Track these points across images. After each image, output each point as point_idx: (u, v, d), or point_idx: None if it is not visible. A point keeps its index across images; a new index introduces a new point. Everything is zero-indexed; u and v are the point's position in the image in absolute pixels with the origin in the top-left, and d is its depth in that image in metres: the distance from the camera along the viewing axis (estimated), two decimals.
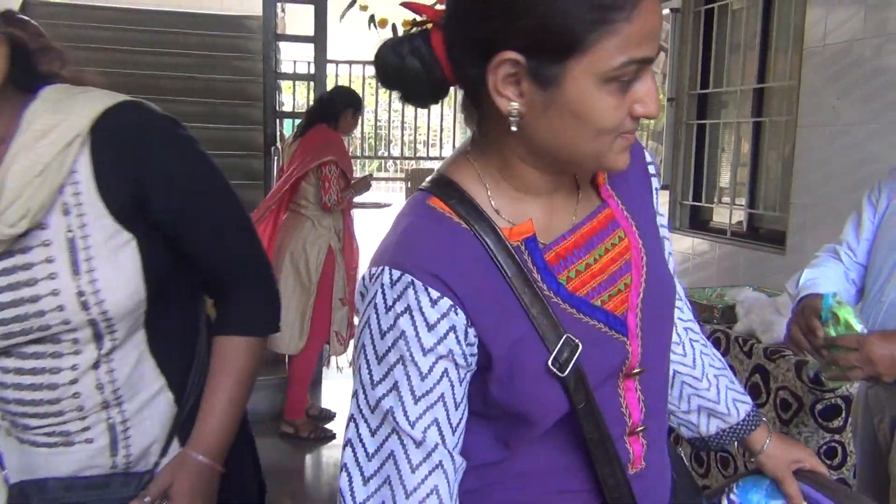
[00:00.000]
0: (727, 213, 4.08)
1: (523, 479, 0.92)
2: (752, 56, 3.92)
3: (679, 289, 1.12)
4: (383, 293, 0.82)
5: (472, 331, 0.83)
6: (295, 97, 9.83)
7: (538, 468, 0.92)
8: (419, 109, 10.34)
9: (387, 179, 13.69)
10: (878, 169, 2.96)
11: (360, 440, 0.83)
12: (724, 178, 4.23)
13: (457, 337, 0.82)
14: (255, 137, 5.31)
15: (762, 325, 2.60)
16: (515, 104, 0.80)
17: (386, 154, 11.92)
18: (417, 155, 11.44)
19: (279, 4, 5.41)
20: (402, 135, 12.69)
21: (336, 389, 4.72)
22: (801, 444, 1.25)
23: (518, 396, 0.86)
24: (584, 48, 0.76)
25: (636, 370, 0.93)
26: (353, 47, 8.06)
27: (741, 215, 3.98)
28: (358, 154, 10.71)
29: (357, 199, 4.28)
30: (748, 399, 1.19)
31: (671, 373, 1.14)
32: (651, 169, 1.04)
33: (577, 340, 0.85)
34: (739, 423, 1.17)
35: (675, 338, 1.13)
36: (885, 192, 1.77)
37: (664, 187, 4.42)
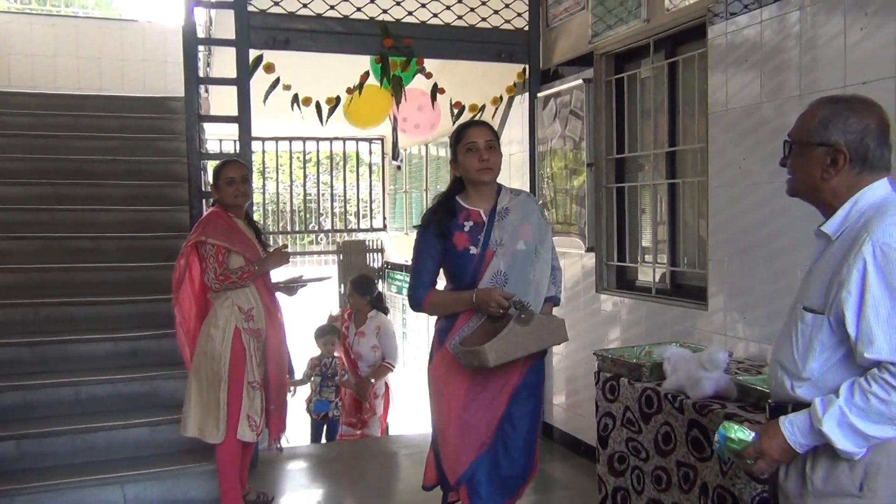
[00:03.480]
0: (651, 272, 4.21)
1: None
2: (663, 120, 4.11)
3: None
4: None
5: None
6: None
7: None
8: (349, 181, 10.45)
9: (319, 253, 13.65)
10: (786, 222, 3.11)
11: None
12: (647, 238, 4.37)
13: None
14: (181, 218, 5.26)
15: (689, 380, 2.66)
16: None
17: (317, 227, 11.91)
18: (349, 227, 11.43)
19: (202, 86, 5.45)
20: (333, 207, 12.72)
21: (274, 472, 4.60)
22: None
23: None
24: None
25: None
26: (279, 124, 8.13)
27: (665, 273, 4.11)
28: (289, 229, 10.70)
29: (292, 275, 4.07)
30: None
31: None
32: None
33: None
34: None
35: None
36: None
37: (589, 249, 4.53)
